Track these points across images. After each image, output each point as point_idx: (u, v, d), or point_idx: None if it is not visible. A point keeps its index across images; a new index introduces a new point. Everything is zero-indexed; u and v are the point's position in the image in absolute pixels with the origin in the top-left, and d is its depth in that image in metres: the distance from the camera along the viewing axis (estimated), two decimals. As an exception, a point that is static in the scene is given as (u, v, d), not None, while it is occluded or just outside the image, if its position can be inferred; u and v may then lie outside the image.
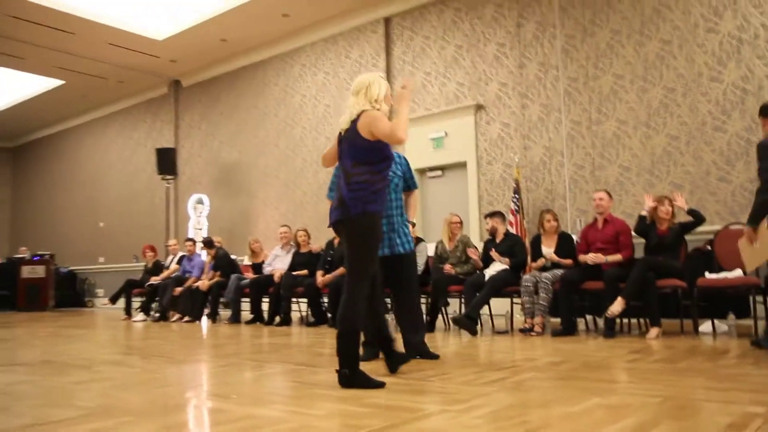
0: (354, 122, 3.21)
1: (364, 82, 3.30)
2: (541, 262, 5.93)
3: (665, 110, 6.95)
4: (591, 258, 5.54)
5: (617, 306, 5.05)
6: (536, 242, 6.15)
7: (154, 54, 11.60)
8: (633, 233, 5.70)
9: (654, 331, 5.04)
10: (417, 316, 4.34)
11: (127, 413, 2.59)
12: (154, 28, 10.70)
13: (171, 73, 12.70)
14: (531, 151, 7.94)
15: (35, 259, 13.08)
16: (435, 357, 4.12)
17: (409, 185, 4.37)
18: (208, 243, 9.17)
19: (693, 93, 6.77)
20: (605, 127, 7.37)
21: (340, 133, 3.32)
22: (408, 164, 4.41)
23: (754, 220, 4.08)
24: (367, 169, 3.16)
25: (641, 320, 5.93)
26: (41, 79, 13.20)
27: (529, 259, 6.27)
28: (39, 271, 12.84)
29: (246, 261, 9.42)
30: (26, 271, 12.72)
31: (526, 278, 5.84)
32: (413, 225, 4.41)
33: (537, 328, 5.60)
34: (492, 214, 6.56)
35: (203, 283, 8.70)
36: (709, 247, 5.78)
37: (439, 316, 6.68)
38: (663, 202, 5.50)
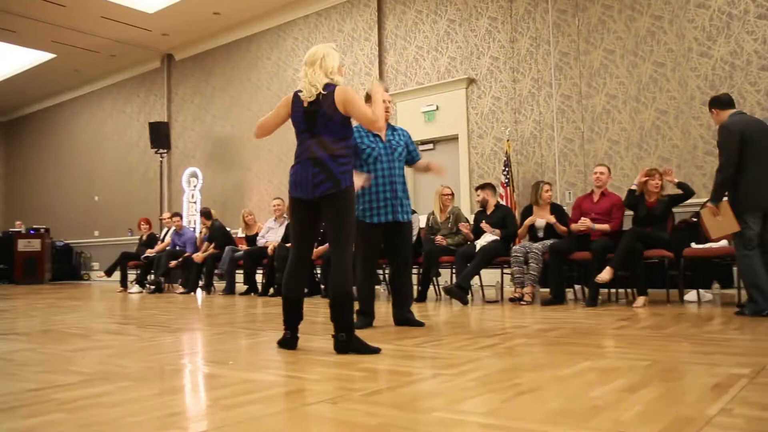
0: (327, 97, 3.19)
1: (318, 53, 3.26)
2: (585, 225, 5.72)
3: (655, 85, 6.93)
4: (580, 223, 5.57)
5: (606, 274, 5.08)
6: (527, 213, 6.16)
7: (146, 27, 11.43)
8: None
9: (641, 300, 5.09)
10: (409, 286, 4.37)
11: (126, 378, 2.59)
12: (146, 1, 10.52)
13: (163, 46, 12.53)
14: (521, 125, 7.91)
15: (31, 232, 13.02)
16: (420, 324, 4.15)
17: (413, 156, 4.35)
18: (206, 214, 9.12)
19: (682, 68, 6.75)
20: (595, 101, 7.35)
21: (301, 103, 3.24)
22: (409, 136, 4.40)
23: (715, 198, 4.40)
24: (345, 144, 3.23)
25: (628, 290, 5.98)
26: (33, 52, 12.99)
27: (519, 230, 6.29)
28: (35, 244, 12.79)
29: (240, 233, 9.40)
30: (22, 245, 12.67)
31: (516, 249, 5.87)
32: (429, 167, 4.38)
33: (527, 297, 5.64)
34: (483, 186, 6.56)
35: (197, 256, 8.69)
36: (695, 219, 5.81)
37: (431, 286, 6.71)
38: (654, 176, 5.52)
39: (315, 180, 3.16)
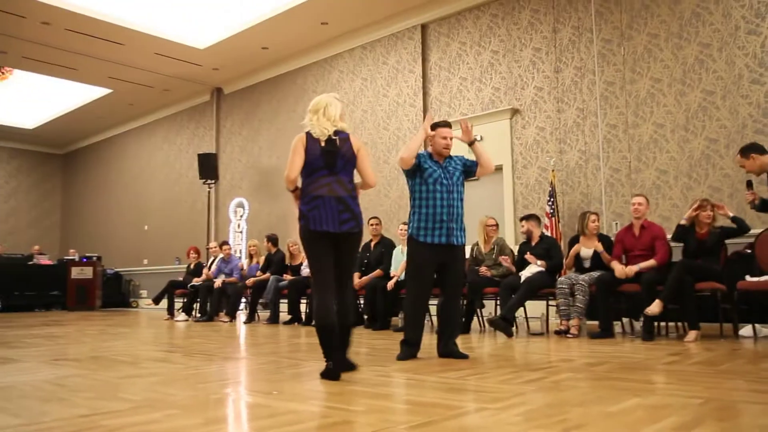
0: (345, 141, 3.51)
1: (321, 102, 3.55)
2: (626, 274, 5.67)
3: (704, 113, 6.80)
4: (625, 272, 5.41)
5: (655, 307, 4.95)
6: (575, 244, 6.07)
7: (197, 63, 11.84)
8: (670, 240, 5.59)
9: (692, 334, 4.92)
10: (458, 317, 4.33)
11: (172, 406, 2.63)
12: (197, 38, 10.93)
13: (213, 80, 12.94)
14: (566, 155, 7.84)
15: (83, 260, 13.44)
16: (465, 357, 4.10)
17: (472, 166, 4.35)
18: (273, 240, 9.31)
19: (733, 96, 6.60)
20: (642, 131, 7.24)
21: (317, 142, 3.47)
22: (464, 157, 4.42)
23: None
24: (354, 186, 3.54)
25: (679, 324, 5.79)
26: (91, 88, 13.59)
27: (564, 261, 6.20)
28: (87, 272, 13.19)
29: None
30: (75, 272, 13.07)
31: (562, 280, 5.77)
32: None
33: (573, 330, 5.52)
34: (527, 217, 6.51)
35: (251, 280, 8.83)
36: (749, 251, 5.63)
37: (475, 318, 6.64)
38: (705, 207, 5.37)
39: (341, 217, 3.38)
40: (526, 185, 8.20)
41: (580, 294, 5.57)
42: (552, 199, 7.54)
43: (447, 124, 4.33)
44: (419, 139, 4.14)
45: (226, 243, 10.06)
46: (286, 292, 8.27)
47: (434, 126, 4.28)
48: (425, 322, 4.36)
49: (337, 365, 3.28)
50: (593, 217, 6.02)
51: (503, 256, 6.39)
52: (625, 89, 7.40)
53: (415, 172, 4.23)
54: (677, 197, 6.89)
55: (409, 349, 4.14)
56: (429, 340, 5.44)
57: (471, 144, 4.32)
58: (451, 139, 4.29)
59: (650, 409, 2.38)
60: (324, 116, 3.49)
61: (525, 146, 8.24)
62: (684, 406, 2.43)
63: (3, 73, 13.26)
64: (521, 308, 6.16)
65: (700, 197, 6.22)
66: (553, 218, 7.48)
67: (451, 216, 4.18)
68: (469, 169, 4.33)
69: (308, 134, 3.51)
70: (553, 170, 7.71)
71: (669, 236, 5.70)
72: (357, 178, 3.63)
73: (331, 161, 3.42)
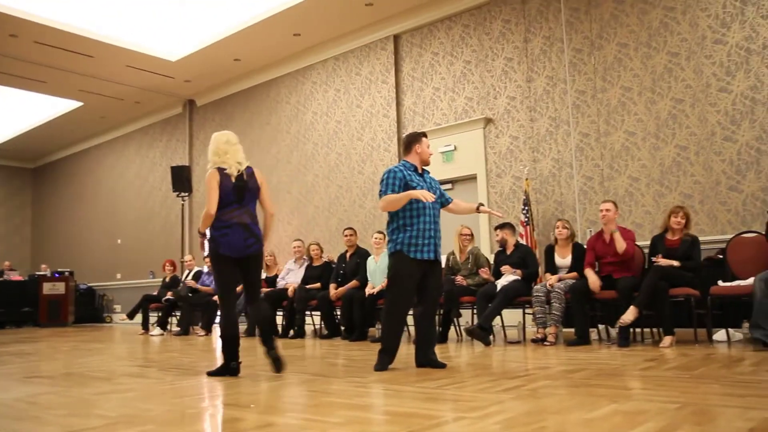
0: (252, 175, 4.15)
1: (230, 142, 4.24)
2: (555, 279, 5.83)
3: (674, 121, 6.93)
4: (592, 284, 5.49)
5: (629, 315, 5.00)
6: (549, 252, 6.12)
7: (168, 75, 11.74)
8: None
9: (668, 340, 4.99)
10: (434, 328, 4.40)
11: (149, 422, 2.58)
12: (168, 50, 10.84)
13: (185, 92, 12.84)
14: (540, 164, 7.92)
15: (56, 276, 13.19)
16: (443, 366, 4.10)
17: (446, 198, 4.49)
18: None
19: (701, 104, 6.74)
20: (614, 139, 7.35)
21: (229, 178, 4.04)
22: (438, 183, 4.57)
23: None
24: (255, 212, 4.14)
25: (654, 330, 5.87)
26: (61, 101, 13.39)
27: (541, 269, 6.24)
28: (59, 287, 12.94)
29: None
30: (47, 288, 12.82)
31: (537, 288, 5.81)
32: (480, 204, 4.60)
33: (550, 338, 5.55)
34: (502, 226, 6.55)
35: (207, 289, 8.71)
36: (720, 256, 5.73)
37: (452, 327, 6.64)
38: (677, 213, 5.45)
39: (247, 242, 3.97)
40: (501, 194, 8.26)
41: (556, 302, 5.61)
42: (526, 208, 7.60)
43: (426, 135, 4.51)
44: (406, 200, 4.13)
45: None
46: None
47: (420, 136, 4.41)
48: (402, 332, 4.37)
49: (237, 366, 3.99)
50: (558, 224, 6.08)
51: (482, 269, 6.41)
52: (597, 98, 7.52)
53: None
54: (649, 204, 7.00)
55: (388, 359, 4.13)
56: (406, 350, 5.43)
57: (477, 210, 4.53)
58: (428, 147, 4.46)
59: (628, 415, 2.40)
60: (233, 155, 4.08)
61: (499, 155, 8.31)
62: (661, 411, 2.45)
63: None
64: (498, 317, 6.18)
65: (672, 203, 6.34)
66: (528, 226, 7.54)
67: (436, 232, 4.27)
68: (443, 199, 4.47)
69: (219, 170, 4.03)
70: (527, 179, 7.78)
71: (642, 242, 5.78)
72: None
73: (240, 195, 4.03)
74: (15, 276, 13.74)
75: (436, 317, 4.36)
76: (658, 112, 7.05)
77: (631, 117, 7.24)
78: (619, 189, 7.25)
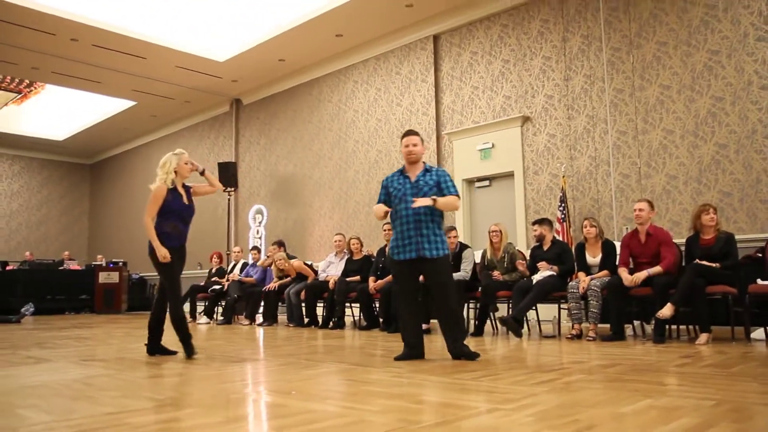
0: (187, 189, 4.88)
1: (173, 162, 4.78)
2: (587, 281, 5.70)
3: (713, 119, 6.72)
4: (633, 280, 5.32)
5: (667, 310, 4.87)
6: (580, 249, 6.00)
7: (216, 75, 11.94)
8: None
9: (704, 337, 4.85)
10: (454, 320, 4.23)
11: (195, 405, 2.64)
12: (216, 51, 11.02)
13: (232, 92, 13.03)
14: (577, 161, 7.79)
15: (110, 266, 13.57)
16: (476, 356, 4.10)
17: (444, 194, 4.25)
18: (280, 245, 9.29)
19: (742, 101, 6.53)
20: (651, 137, 7.17)
21: (181, 197, 4.79)
22: (446, 175, 4.35)
23: None
24: None
25: (691, 327, 5.71)
26: (116, 101, 13.77)
27: (575, 266, 6.14)
28: (113, 277, 13.31)
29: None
30: (102, 277, 13.20)
31: (573, 284, 5.71)
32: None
33: (591, 333, 5.42)
34: (540, 221, 6.46)
35: (271, 285, 8.77)
36: (760, 254, 5.54)
37: (488, 320, 6.60)
38: (707, 211, 5.26)
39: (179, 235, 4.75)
40: (538, 191, 8.15)
41: (593, 299, 5.50)
42: (563, 205, 7.49)
43: (410, 133, 4.38)
44: (379, 211, 4.27)
45: (255, 248, 10.18)
46: (303, 296, 8.27)
47: (402, 137, 4.39)
48: (421, 325, 4.41)
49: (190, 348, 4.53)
50: (585, 222, 5.94)
51: (519, 261, 6.35)
52: (635, 96, 7.35)
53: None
54: (687, 202, 6.82)
55: (408, 351, 4.19)
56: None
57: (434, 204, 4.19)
58: (414, 145, 4.30)
59: (662, 410, 2.35)
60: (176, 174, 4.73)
61: (536, 153, 8.20)
62: (696, 407, 2.39)
63: (35, 88, 13.48)
64: (533, 311, 6.11)
65: (708, 201, 6.15)
66: (564, 223, 7.42)
67: (419, 231, 4.17)
68: (441, 195, 4.26)
69: (175, 189, 4.68)
70: (563, 176, 7.67)
71: (678, 240, 5.62)
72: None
73: (189, 216, 4.84)
74: (74, 265, 14.20)
75: (454, 310, 4.24)
76: (697, 110, 6.85)
77: (669, 115, 7.05)
78: (656, 187, 7.08)
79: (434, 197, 4.14)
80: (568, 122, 7.90)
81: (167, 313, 4.63)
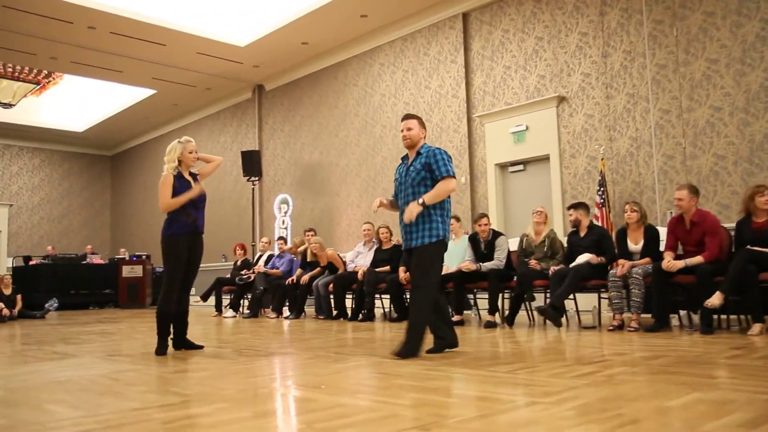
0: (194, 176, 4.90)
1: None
2: (627, 266, 5.60)
3: (766, 94, 6.54)
4: (668, 267, 5.21)
5: (716, 299, 4.76)
6: (621, 236, 5.89)
7: (238, 60, 12.02)
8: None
9: (757, 327, 4.74)
10: (412, 315, 4.09)
11: (222, 400, 2.69)
12: (237, 36, 11.08)
13: (254, 78, 13.11)
14: (617, 143, 7.66)
15: (133, 259, 13.82)
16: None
17: (436, 176, 4.08)
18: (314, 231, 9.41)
19: (796, 74, 6.33)
20: (697, 115, 7.01)
21: (188, 183, 4.79)
22: (437, 155, 4.12)
23: None
24: None
25: (741, 317, 5.59)
26: (136, 90, 13.97)
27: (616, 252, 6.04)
28: (137, 270, 13.54)
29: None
30: (126, 271, 13.44)
31: (613, 272, 5.61)
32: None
33: (633, 324, 5.34)
34: (575, 206, 6.36)
35: (304, 278, 8.80)
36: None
37: (525, 311, 6.56)
38: (762, 192, 5.11)
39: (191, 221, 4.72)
40: (575, 175, 8.05)
41: (635, 288, 5.41)
42: (602, 189, 7.38)
43: (405, 117, 4.31)
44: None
45: (282, 239, 10.28)
46: (332, 288, 8.32)
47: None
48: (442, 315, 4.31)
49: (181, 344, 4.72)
50: (626, 207, 5.83)
51: (531, 260, 6.31)
52: (679, 72, 7.18)
53: None
54: (737, 183, 6.66)
55: (437, 341, 4.19)
56: (477, 334, 5.41)
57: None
58: (408, 129, 4.22)
59: (712, 405, 2.31)
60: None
61: (573, 135, 8.09)
62: (750, 401, 2.34)
63: (54, 78, 13.75)
64: (572, 301, 6.04)
65: (760, 183, 5.99)
66: (603, 208, 7.32)
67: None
68: (433, 177, 4.11)
69: (180, 176, 4.75)
70: (602, 159, 7.55)
71: (728, 225, 5.49)
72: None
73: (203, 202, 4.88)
74: (97, 259, 14.51)
75: (418, 304, 4.04)
76: (748, 85, 6.67)
77: (717, 91, 6.88)
78: (702, 168, 6.93)
79: (423, 199, 4.00)
80: (607, 101, 7.77)
81: (188, 305, 4.80)
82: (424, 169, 4.12)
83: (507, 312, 6.48)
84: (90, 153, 19.01)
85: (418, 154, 4.22)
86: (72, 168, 18.73)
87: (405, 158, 4.35)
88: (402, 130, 4.26)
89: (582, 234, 6.17)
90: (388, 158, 10.52)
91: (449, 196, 4.18)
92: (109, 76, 12.95)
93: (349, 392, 2.87)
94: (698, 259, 5.15)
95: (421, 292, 4.05)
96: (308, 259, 9.00)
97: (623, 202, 7.35)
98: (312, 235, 9.15)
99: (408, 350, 3.92)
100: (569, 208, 6.46)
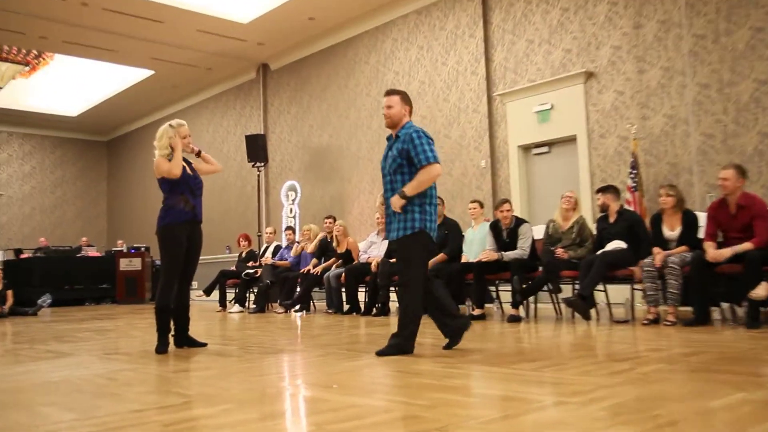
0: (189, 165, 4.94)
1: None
2: (661, 256, 5.53)
3: (813, 66, 6.41)
4: (716, 256, 5.13)
5: (762, 290, 4.70)
6: (655, 221, 5.81)
7: (241, 38, 12.00)
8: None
9: (805, 320, 4.68)
10: (402, 310, 4.11)
11: (228, 401, 2.69)
12: (240, 11, 11.05)
13: (259, 56, 13.09)
14: (650, 121, 7.56)
15: (132, 251, 13.90)
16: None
17: (415, 163, 4.00)
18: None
19: None
20: (741, 89, 6.89)
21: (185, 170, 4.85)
22: (413, 139, 4.02)
23: None
24: None
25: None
26: (133, 70, 14.00)
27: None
28: (136, 263, 13.62)
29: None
30: (124, 264, 13.52)
31: (648, 261, 5.54)
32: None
33: (670, 317, 5.28)
34: (604, 189, 6.31)
35: (317, 269, 8.82)
36: None
37: (553, 304, 6.53)
38: None
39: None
40: (604, 157, 7.96)
41: (672, 278, 5.33)
42: (634, 171, 7.30)
43: (387, 93, 4.23)
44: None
45: (290, 228, 10.31)
46: (343, 279, 8.31)
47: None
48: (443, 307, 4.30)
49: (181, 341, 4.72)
50: (661, 191, 5.75)
51: (558, 249, 6.28)
52: (719, 42, 7.06)
53: None
54: (782, 164, 6.55)
55: (450, 336, 4.23)
56: (500, 329, 5.40)
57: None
58: (388, 107, 4.14)
59: (759, 405, 2.27)
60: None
61: (602, 113, 8.00)
62: (799, 399, 2.30)
63: (44, 58, 13.81)
64: (602, 293, 5.99)
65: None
66: (636, 192, 7.24)
67: (388, 209, 4.09)
68: (412, 163, 4.02)
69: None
70: (634, 139, 7.46)
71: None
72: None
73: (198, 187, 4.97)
74: (92, 252, 14.62)
75: (406, 299, 4.08)
76: (794, 57, 6.54)
77: (763, 63, 6.75)
78: (746, 147, 6.82)
79: (404, 192, 3.92)
80: (639, 76, 7.66)
81: (189, 299, 4.88)
82: (400, 156, 4.03)
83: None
84: (84, 138, 19.12)
85: (397, 137, 4.13)
86: (65, 155, 18.85)
87: (390, 138, 4.26)
88: (382, 108, 4.17)
89: (612, 219, 6.11)
90: (402, 141, 10.47)
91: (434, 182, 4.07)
92: (103, 56, 12.98)
93: (363, 392, 2.86)
94: (747, 245, 5.05)
95: (406, 288, 4.07)
96: (328, 246, 9.00)
97: (657, 185, 7.26)
98: (331, 223, 9.15)
99: (396, 348, 3.92)
100: (597, 191, 6.41)
